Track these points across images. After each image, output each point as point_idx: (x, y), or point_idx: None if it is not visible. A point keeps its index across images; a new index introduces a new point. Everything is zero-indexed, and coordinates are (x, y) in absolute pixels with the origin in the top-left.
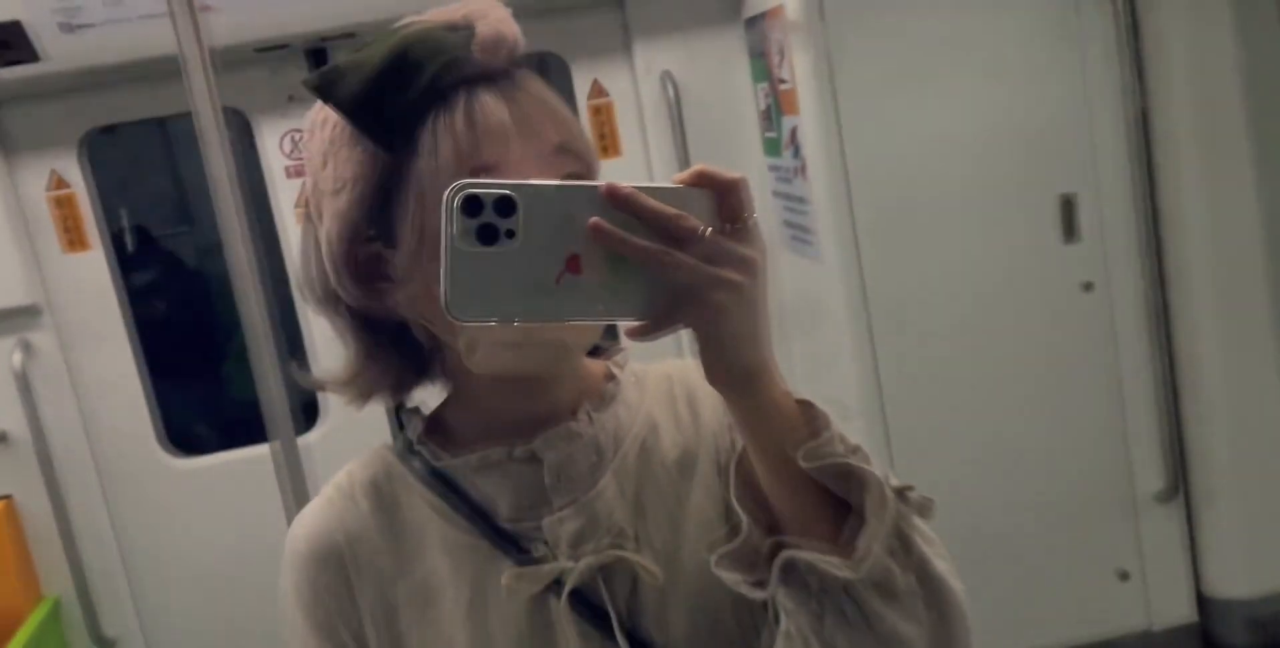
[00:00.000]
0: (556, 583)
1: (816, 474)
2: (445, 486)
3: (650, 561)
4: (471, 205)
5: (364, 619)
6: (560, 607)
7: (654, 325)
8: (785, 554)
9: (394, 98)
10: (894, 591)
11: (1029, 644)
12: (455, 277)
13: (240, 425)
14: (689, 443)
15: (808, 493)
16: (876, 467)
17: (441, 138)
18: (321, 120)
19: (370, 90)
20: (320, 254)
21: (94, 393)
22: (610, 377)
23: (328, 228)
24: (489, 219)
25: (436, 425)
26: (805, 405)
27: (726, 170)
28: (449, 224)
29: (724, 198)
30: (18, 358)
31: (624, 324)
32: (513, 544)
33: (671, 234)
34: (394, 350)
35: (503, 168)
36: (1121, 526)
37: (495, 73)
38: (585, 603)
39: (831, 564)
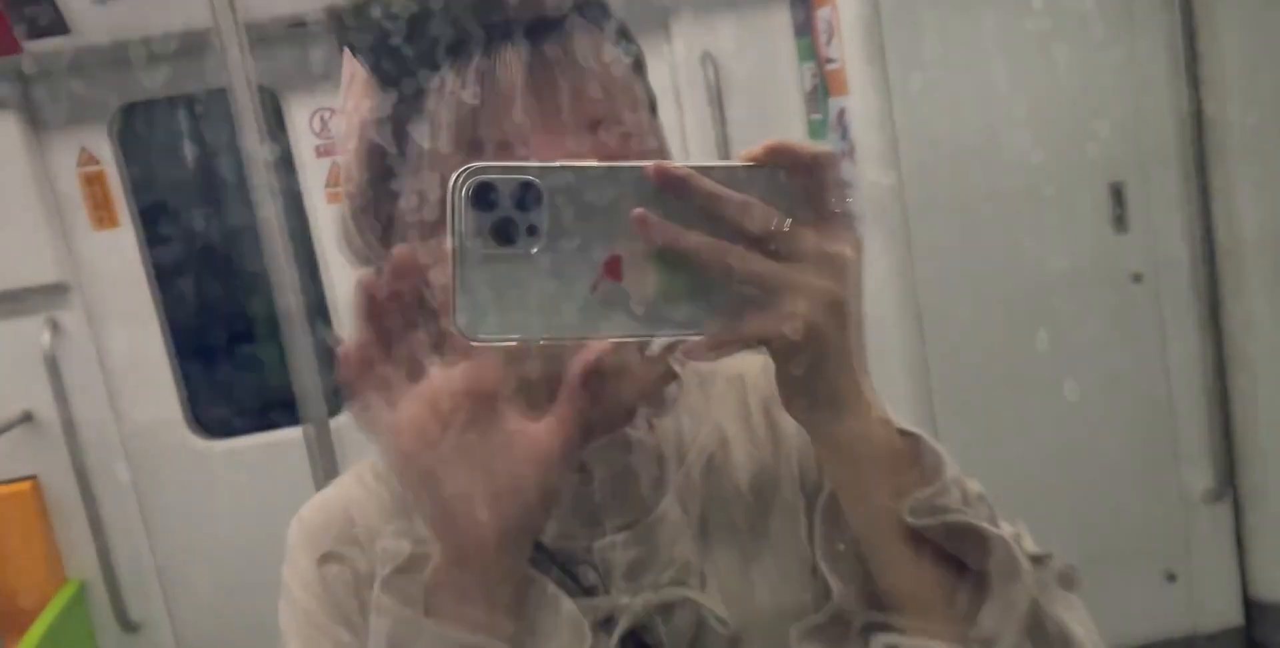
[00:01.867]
0: (608, 619)
1: (926, 531)
2: None
3: (718, 602)
4: (485, 195)
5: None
6: (611, 646)
7: (718, 342)
8: (886, 641)
9: (407, 40)
10: None
11: None
12: (466, 286)
13: (269, 409)
14: (766, 460)
15: (914, 551)
16: (1003, 522)
17: (445, 97)
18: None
19: (384, 29)
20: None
21: (122, 373)
22: (670, 375)
23: (343, 175)
24: (507, 212)
25: None
26: (912, 440)
27: (809, 143)
28: (457, 219)
29: (807, 179)
30: (46, 337)
31: (681, 342)
32: (558, 569)
33: (739, 227)
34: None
35: (511, 144)
36: (1169, 526)
37: (534, 23)
38: (640, 644)
39: None
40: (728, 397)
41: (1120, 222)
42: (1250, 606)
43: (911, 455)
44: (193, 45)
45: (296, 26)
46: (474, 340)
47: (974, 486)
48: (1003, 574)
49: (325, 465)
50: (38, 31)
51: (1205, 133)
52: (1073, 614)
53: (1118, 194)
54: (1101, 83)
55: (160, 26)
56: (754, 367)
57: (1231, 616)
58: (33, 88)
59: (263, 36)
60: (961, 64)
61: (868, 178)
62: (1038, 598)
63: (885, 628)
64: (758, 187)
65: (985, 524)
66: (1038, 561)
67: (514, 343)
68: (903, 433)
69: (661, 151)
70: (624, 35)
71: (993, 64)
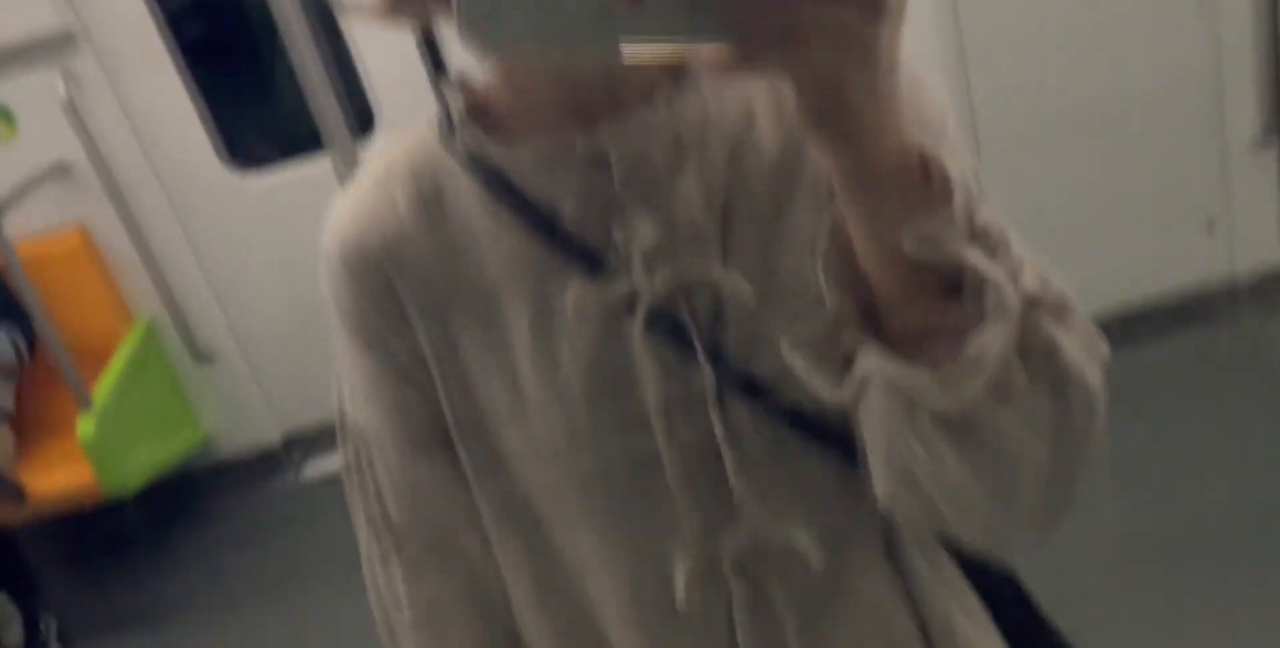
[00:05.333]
0: (630, 301)
1: (925, 262)
2: (497, 182)
3: (739, 281)
4: None
5: (416, 329)
6: (636, 328)
7: (740, 62)
8: (877, 365)
9: None
10: (1008, 395)
11: (1110, 301)
12: None
13: (301, 136)
14: (794, 137)
15: (912, 277)
16: (1010, 251)
17: None
18: None
19: None
20: None
21: (148, 119)
22: None
23: None
24: None
25: (482, 106)
26: (927, 164)
27: None
28: None
29: None
30: (62, 87)
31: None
32: (579, 255)
33: None
34: None
35: None
36: (1212, 173)
37: None
38: (663, 325)
39: (929, 387)
40: None
41: None
42: None
43: (923, 179)
44: None
45: None
46: (483, 49)
47: (985, 215)
48: (993, 307)
49: None
50: None
51: None
52: (1069, 338)
53: None
54: None
55: None
56: None
57: (1271, 259)
58: None
59: None
60: None
61: None
62: (1025, 333)
63: (873, 350)
64: None
65: (981, 263)
66: (1033, 301)
67: (528, 57)
68: (921, 157)
69: None
70: None
71: None
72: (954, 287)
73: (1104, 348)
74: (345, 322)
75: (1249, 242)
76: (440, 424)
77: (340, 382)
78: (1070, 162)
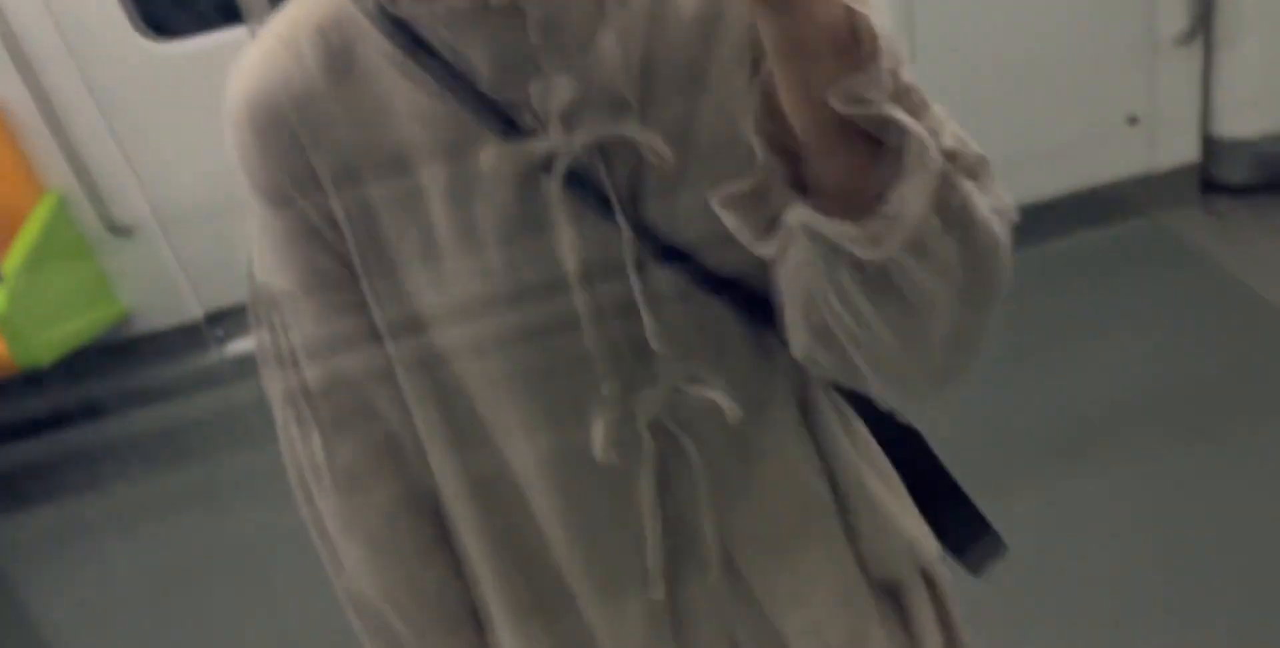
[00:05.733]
0: (547, 160)
1: (851, 117)
2: (409, 38)
3: (657, 140)
4: None
5: (327, 189)
6: (553, 188)
7: None
8: (798, 216)
9: None
10: (924, 246)
11: (1031, 191)
12: None
13: (219, 5)
14: None
15: (838, 133)
16: (930, 115)
17: None
18: None
19: None
20: None
21: None
22: None
23: None
24: None
25: None
26: (856, 23)
27: None
28: None
29: None
30: None
31: None
32: (494, 113)
33: None
34: None
35: None
36: (1137, 69)
37: None
38: (581, 186)
39: (853, 238)
40: None
41: None
42: (1210, 143)
43: (852, 37)
44: None
45: None
46: None
47: (907, 75)
48: (914, 161)
49: None
50: None
51: None
52: (982, 196)
53: None
54: None
55: None
56: None
57: (1189, 154)
58: None
59: None
60: None
61: None
62: (942, 186)
63: (800, 204)
64: None
65: (904, 118)
66: (951, 156)
67: None
68: (852, 18)
69: None
70: None
71: None
72: (878, 143)
73: (1013, 210)
74: (255, 184)
75: (1169, 137)
76: (354, 286)
77: (252, 247)
78: (996, 55)
